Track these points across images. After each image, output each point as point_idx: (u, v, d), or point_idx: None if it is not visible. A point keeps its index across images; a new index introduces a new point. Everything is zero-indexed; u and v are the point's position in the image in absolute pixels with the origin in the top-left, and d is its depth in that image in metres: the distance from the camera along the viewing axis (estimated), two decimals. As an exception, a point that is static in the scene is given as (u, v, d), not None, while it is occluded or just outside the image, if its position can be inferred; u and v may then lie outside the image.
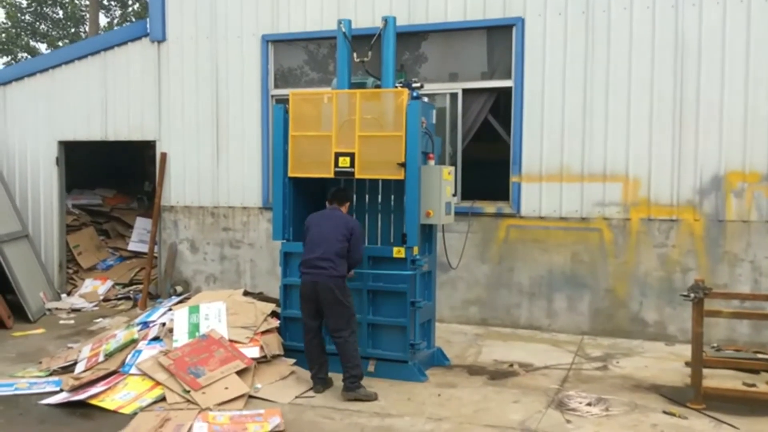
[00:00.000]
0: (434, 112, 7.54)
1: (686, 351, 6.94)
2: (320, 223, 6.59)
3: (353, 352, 6.40)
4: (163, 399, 6.20)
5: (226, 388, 6.24)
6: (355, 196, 7.63)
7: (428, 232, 7.33)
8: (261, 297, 8.06)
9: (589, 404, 6.16)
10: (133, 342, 7.11)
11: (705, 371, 6.21)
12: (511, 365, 7.40)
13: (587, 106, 8.53)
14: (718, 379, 6.60)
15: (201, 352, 6.56)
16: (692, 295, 6.04)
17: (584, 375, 7.12)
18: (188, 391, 6.17)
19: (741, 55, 7.96)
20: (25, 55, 25.87)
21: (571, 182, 8.64)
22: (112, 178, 13.08)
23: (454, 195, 7.47)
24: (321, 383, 6.57)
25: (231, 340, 6.84)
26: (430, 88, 8.69)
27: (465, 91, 9.10)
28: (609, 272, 8.55)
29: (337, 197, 6.83)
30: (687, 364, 6.89)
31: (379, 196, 7.58)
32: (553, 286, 8.78)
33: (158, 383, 6.34)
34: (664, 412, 6.00)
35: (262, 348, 6.85)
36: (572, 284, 8.70)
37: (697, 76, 8.13)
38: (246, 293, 8.05)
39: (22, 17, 26.00)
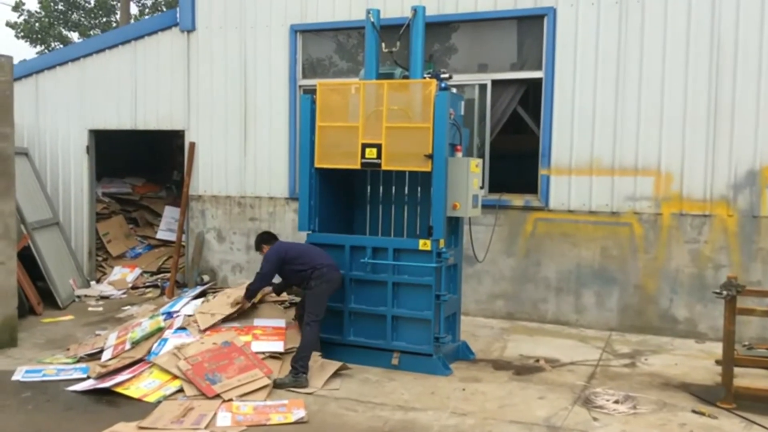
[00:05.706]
0: (462, 103, 7.46)
1: (717, 349, 6.80)
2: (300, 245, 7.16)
3: None
4: (188, 388, 6.23)
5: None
6: (381, 188, 7.62)
7: (454, 224, 7.26)
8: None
9: (616, 402, 6.06)
10: (160, 330, 7.15)
11: (736, 370, 6.08)
12: (537, 360, 7.32)
13: (619, 98, 8.38)
14: (749, 379, 6.45)
15: (221, 359, 6.47)
16: (725, 292, 5.93)
17: (612, 372, 7.02)
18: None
19: (779, 47, 7.77)
20: (58, 44, 26.13)
21: (601, 175, 8.50)
22: (142, 166, 13.19)
23: (482, 187, 7.41)
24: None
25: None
26: (458, 79, 8.59)
27: (494, 82, 8.99)
28: (639, 268, 8.41)
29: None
30: (718, 362, 6.76)
31: (406, 188, 7.54)
32: (581, 281, 8.67)
33: (176, 377, 6.34)
34: (694, 411, 5.90)
35: (285, 342, 6.87)
36: (601, 279, 8.57)
37: (734, 69, 7.93)
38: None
39: (55, 6, 26.26)
